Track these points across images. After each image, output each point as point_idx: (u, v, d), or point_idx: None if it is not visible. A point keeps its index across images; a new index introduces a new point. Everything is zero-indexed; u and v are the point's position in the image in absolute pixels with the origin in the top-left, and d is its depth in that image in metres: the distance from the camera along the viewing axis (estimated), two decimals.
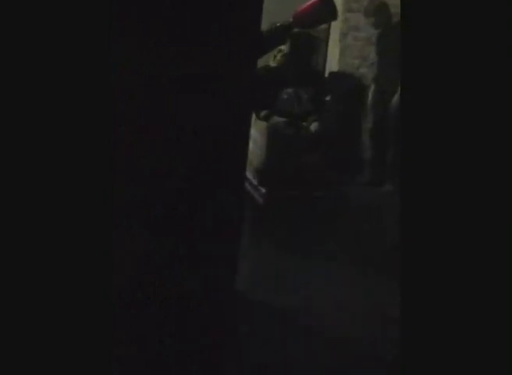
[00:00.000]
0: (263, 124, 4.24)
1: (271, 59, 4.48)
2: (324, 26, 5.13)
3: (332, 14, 3.59)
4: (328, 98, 4.52)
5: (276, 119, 4.30)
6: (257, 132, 4.23)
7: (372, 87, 5.10)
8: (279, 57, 4.40)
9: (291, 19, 3.49)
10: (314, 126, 4.30)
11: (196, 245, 1.58)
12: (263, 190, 4.09)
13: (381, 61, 4.97)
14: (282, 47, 4.31)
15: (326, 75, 5.36)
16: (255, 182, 4.18)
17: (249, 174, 4.13)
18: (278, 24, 3.47)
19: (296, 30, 3.67)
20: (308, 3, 3.50)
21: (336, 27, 5.54)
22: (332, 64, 5.53)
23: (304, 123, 4.29)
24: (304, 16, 3.48)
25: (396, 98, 4.75)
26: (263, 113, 4.35)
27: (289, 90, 4.34)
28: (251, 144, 3.99)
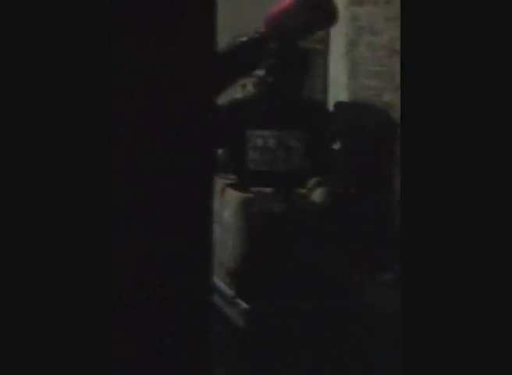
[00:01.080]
0: (235, 197, 3.47)
1: (238, 91, 3.85)
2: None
3: (328, 15, 3.06)
4: (337, 147, 3.82)
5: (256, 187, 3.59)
6: (226, 211, 3.50)
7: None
8: (249, 86, 3.73)
9: (262, 28, 3.14)
10: (318, 195, 3.56)
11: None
12: (243, 304, 3.38)
13: None
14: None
15: (330, 108, 4.55)
16: (230, 292, 3.44)
17: (218, 281, 3.43)
18: (244, 38, 3.19)
19: (273, 43, 3.21)
20: (283, 1, 3.04)
21: (339, 31, 4.71)
22: (339, 90, 4.83)
23: (300, 191, 3.55)
24: (281, 20, 3.10)
25: None
26: (234, 179, 3.61)
27: (269, 135, 3.56)
28: (218, 233, 3.34)
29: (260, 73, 3.72)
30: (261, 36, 3.24)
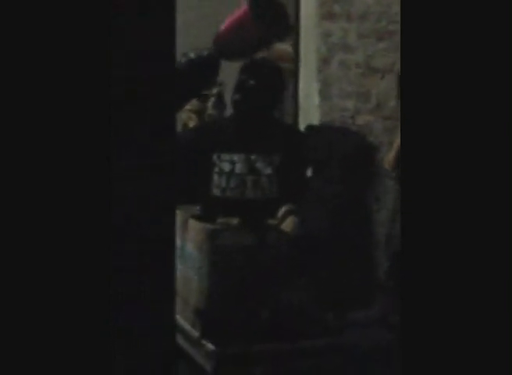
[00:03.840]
0: (200, 229, 3.32)
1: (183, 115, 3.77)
2: (284, 46, 4.32)
3: (278, 28, 3.13)
4: (309, 173, 3.81)
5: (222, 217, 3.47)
6: (190, 245, 3.38)
7: (392, 149, 3.87)
8: (210, 108, 3.79)
9: (212, 45, 3.16)
10: (289, 226, 3.40)
11: None
12: (211, 347, 3.22)
13: None
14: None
15: (302, 131, 4.40)
16: (196, 333, 3.29)
17: (183, 320, 3.30)
18: (192, 54, 3.15)
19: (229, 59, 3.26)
20: (232, 16, 3.11)
21: (308, 48, 4.55)
22: (310, 112, 4.65)
23: (269, 222, 3.41)
24: (229, 38, 3.13)
25: None
26: (198, 209, 3.53)
27: (236, 159, 3.56)
28: (181, 269, 3.21)
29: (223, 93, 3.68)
30: (210, 53, 3.19)
